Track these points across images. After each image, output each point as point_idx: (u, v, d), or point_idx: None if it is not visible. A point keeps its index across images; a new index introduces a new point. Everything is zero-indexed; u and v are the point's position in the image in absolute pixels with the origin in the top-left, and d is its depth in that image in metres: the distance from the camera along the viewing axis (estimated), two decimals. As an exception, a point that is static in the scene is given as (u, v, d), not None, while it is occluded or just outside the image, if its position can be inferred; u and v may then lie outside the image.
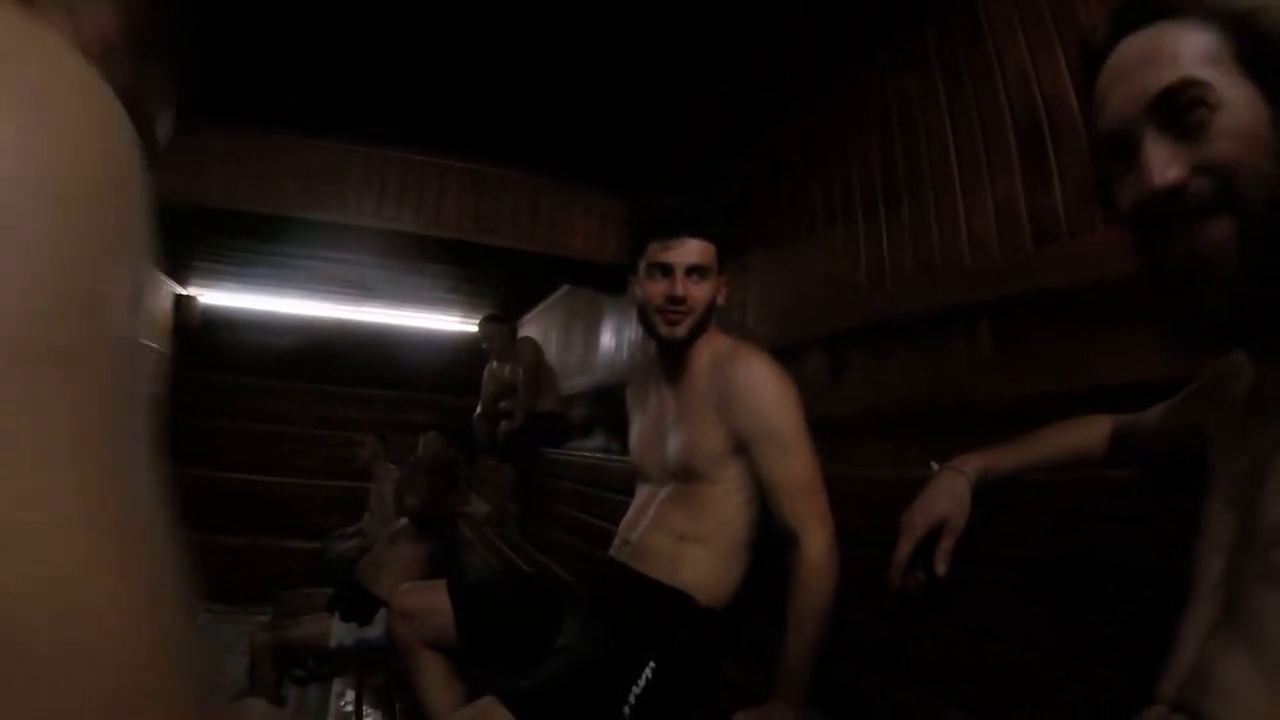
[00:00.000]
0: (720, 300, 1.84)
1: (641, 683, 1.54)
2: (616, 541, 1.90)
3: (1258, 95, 0.69)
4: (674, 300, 1.75)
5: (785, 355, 2.18)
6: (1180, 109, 0.71)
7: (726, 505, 1.74)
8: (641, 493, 1.93)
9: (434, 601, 1.86)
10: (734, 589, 1.75)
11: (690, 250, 1.77)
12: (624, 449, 2.07)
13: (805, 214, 3.10)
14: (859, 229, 2.76)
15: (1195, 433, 0.92)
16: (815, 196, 3.05)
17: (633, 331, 4.63)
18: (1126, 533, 1.13)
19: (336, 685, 2.88)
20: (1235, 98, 0.69)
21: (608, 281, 4.72)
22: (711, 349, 1.82)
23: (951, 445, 1.44)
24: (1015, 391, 1.99)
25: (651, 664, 1.57)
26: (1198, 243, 0.71)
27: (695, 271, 1.77)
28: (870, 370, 2.61)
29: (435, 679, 1.84)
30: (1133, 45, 0.76)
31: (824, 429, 1.76)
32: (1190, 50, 0.72)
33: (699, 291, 1.77)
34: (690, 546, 1.75)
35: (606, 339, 5.31)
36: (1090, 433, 1.25)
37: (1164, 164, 0.72)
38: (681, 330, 1.77)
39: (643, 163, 3.97)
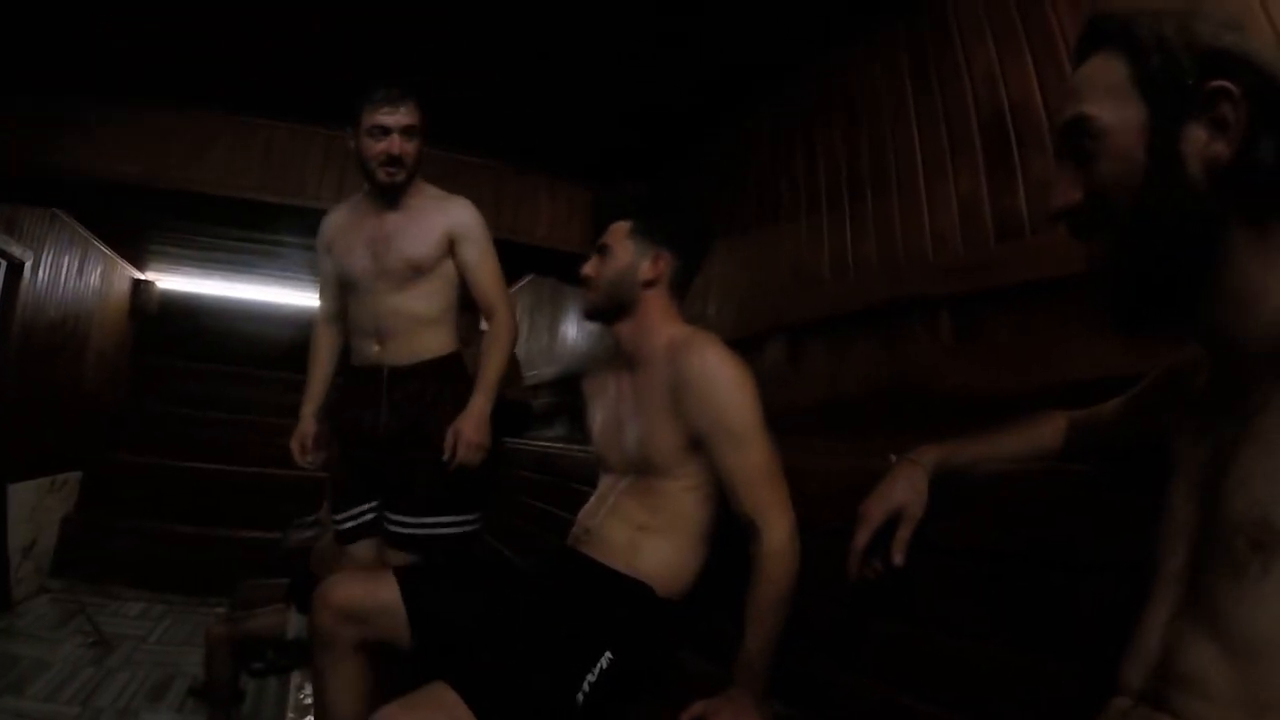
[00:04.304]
0: (647, 274, 1.85)
1: (596, 672, 1.54)
2: (576, 530, 1.89)
3: (1146, 114, 0.77)
4: (580, 279, 1.93)
5: (746, 344, 2.18)
6: (1073, 139, 0.82)
7: (686, 500, 1.74)
8: (603, 482, 1.92)
9: (383, 599, 1.75)
10: (693, 580, 1.75)
11: (606, 232, 1.92)
12: (586, 439, 2.06)
13: (770, 204, 3.11)
14: (823, 220, 2.78)
15: (1153, 426, 0.95)
16: (780, 187, 3.06)
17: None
18: (1085, 524, 1.14)
19: (295, 678, 2.85)
20: (1119, 123, 0.79)
21: (572, 271, 4.70)
22: (669, 337, 1.81)
23: (912, 436, 1.45)
24: (976, 384, 2.01)
25: (608, 653, 1.56)
26: (1089, 255, 0.84)
27: (600, 250, 1.90)
28: (831, 360, 2.62)
29: (357, 689, 1.76)
30: (1069, 81, 0.86)
31: (784, 418, 1.77)
32: (1093, 84, 0.82)
33: (603, 269, 1.88)
34: (649, 537, 1.74)
35: (570, 329, 5.29)
36: (1047, 428, 1.27)
37: (1061, 189, 0.84)
38: (587, 306, 1.94)
39: (608, 150, 3.95)
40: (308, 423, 2.57)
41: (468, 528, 2.43)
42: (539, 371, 5.42)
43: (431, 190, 2.50)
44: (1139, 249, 0.79)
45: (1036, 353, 1.87)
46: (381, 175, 2.32)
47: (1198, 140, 0.75)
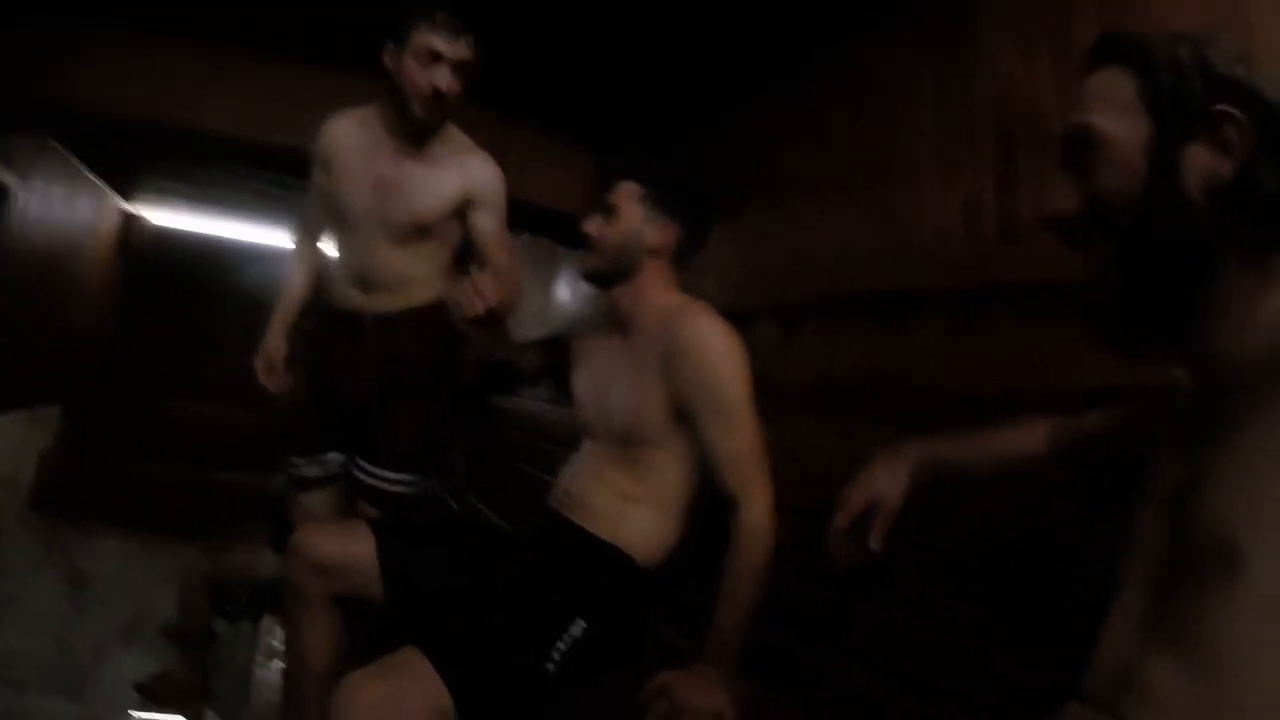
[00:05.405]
0: (653, 241, 1.82)
1: (568, 640, 1.54)
2: (557, 492, 1.89)
3: (1151, 129, 0.82)
4: (582, 237, 1.87)
5: (739, 320, 2.16)
6: (1075, 148, 0.87)
7: (670, 471, 1.75)
8: (587, 447, 1.91)
9: (356, 553, 1.72)
10: (672, 551, 1.76)
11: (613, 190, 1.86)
12: (572, 402, 2.04)
13: (773, 185, 3.08)
14: (824, 205, 2.75)
15: (1138, 445, 0.96)
16: (783, 168, 3.02)
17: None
18: (1069, 531, 1.15)
19: (266, 621, 2.85)
20: (1123, 135, 0.83)
21: (568, 232, 4.66)
22: (663, 304, 1.80)
23: (901, 426, 1.45)
24: (969, 380, 2.01)
25: (581, 621, 1.57)
26: (1090, 263, 0.87)
27: (606, 210, 1.84)
28: (823, 344, 2.61)
29: (329, 641, 1.75)
30: (1079, 92, 0.90)
31: (772, 397, 1.76)
32: (1101, 96, 0.86)
33: (608, 230, 1.83)
34: (633, 506, 1.75)
35: (563, 291, 5.27)
36: (1035, 434, 1.28)
37: (1060, 196, 0.88)
38: (586, 268, 1.88)
39: (611, 114, 3.90)
40: (277, 340, 2.36)
41: (423, 489, 2.31)
42: (530, 333, 5.38)
43: (457, 137, 2.23)
44: (1135, 261, 0.83)
45: (1032, 354, 1.86)
46: (418, 109, 2.04)
47: (1200, 159, 0.79)
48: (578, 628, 1.56)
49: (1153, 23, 1.69)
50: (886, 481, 1.30)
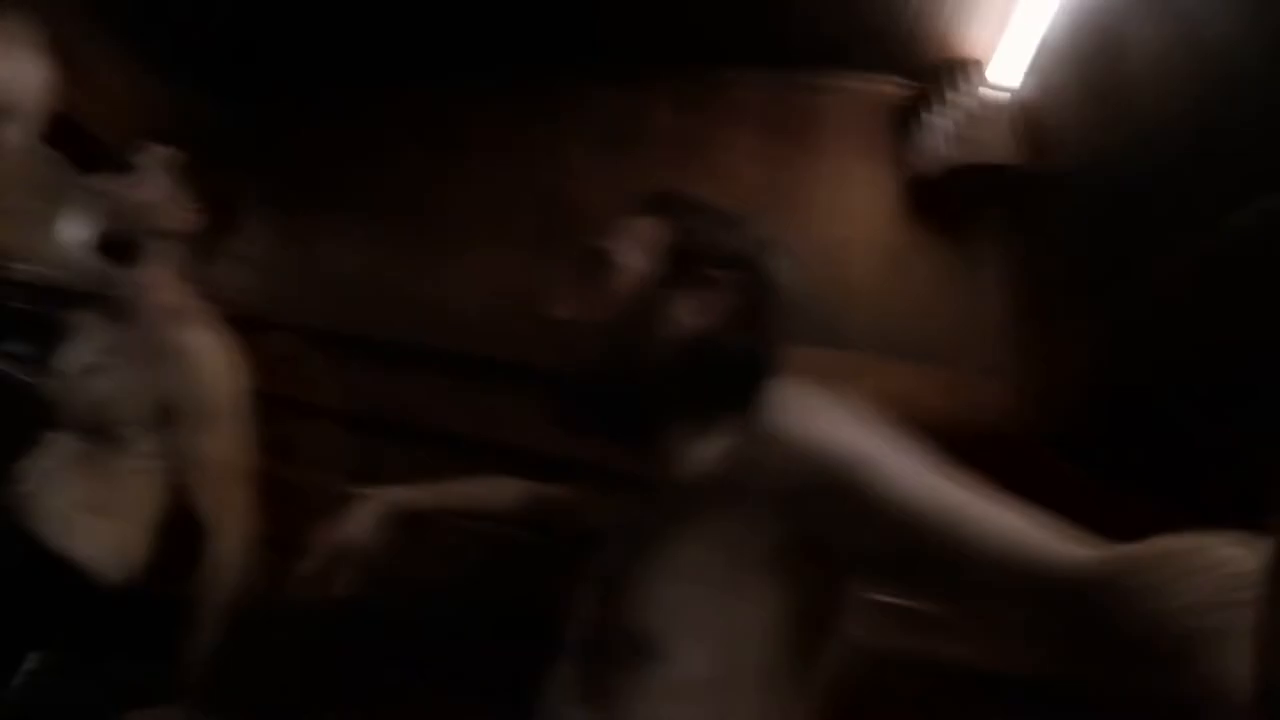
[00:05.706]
0: (172, 222, 1.61)
1: (23, 674, 1.34)
2: (16, 488, 1.57)
3: (657, 272, 0.94)
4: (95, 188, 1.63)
5: (258, 329, 1.97)
6: (593, 263, 0.97)
7: (142, 482, 1.57)
8: (53, 439, 1.61)
9: None
10: (143, 571, 1.57)
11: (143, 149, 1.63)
12: (48, 376, 1.71)
13: (321, 199, 2.89)
14: (358, 234, 2.71)
15: (595, 521, 1.11)
16: (335, 183, 2.87)
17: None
18: (539, 590, 1.23)
19: None
20: (634, 269, 0.94)
21: (93, 157, 3.97)
22: (171, 299, 1.60)
23: (385, 464, 1.46)
24: (458, 429, 2.09)
25: (34, 653, 1.38)
26: (570, 358, 0.97)
27: (123, 166, 1.61)
28: (340, 375, 2.46)
29: None
30: (621, 221, 1.01)
31: (277, 418, 1.69)
32: (635, 233, 0.97)
33: (123, 189, 1.58)
34: (94, 518, 1.53)
35: (73, 227, 4.51)
36: (507, 492, 1.39)
37: (567, 301, 0.98)
38: (93, 229, 1.61)
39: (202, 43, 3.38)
40: None
41: None
42: (22, 266, 4.52)
43: None
44: (599, 374, 0.93)
45: (510, 415, 1.94)
46: None
47: (682, 308, 0.91)
48: (32, 661, 1.36)
49: (707, 174, 2.05)
50: (355, 527, 1.30)
